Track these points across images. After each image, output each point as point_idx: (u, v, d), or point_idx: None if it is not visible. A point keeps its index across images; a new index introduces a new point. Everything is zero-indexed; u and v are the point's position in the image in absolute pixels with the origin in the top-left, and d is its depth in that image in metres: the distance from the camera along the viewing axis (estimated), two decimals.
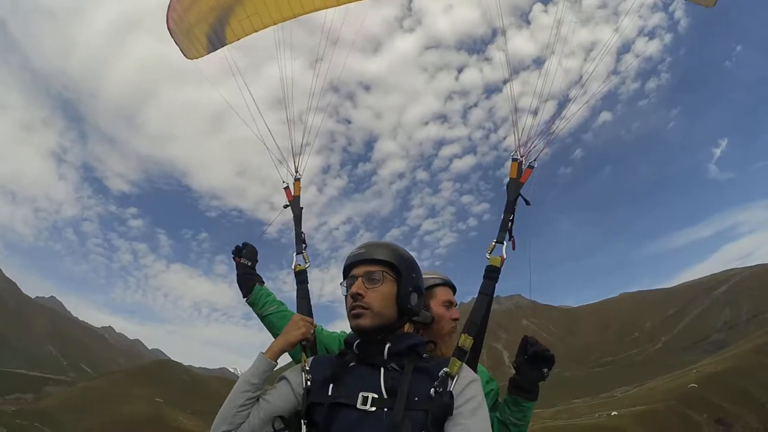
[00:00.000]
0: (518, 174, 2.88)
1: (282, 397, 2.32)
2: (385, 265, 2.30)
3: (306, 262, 3.10)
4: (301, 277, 3.04)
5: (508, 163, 2.94)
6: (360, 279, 2.27)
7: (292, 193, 3.44)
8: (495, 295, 2.56)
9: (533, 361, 2.75)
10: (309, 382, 2.28)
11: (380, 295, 2.24)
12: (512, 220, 2.76)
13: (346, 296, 2.32)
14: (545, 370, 2.76)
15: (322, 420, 2.13)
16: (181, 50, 4.41)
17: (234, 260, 3.25)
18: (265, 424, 2.24)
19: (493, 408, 2.88)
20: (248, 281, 3.16)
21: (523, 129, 3.01)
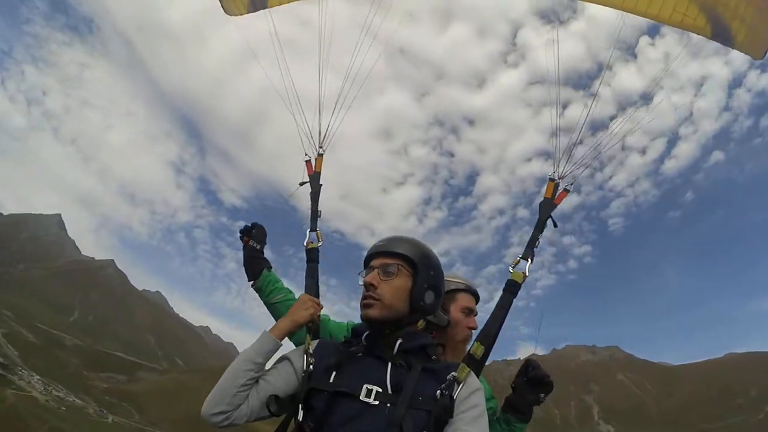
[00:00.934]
0: (553, 195, 2.88)
1: (283, 379, 2.25)
2: (402, 258, 2.27)
3: (319, 241, 3.00)
4: (312, 255, 2.94)
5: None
6: (376, 270, 2.27)
7: (314, 168, 3.28)
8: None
9: (532, 384, 2.75)
10: (311, 366, 2.22)
11: (393, 288, 2.22)
12: (539, 239, 2.74)
13: (361, 286, 2.31)
14: (542, 395, 2.75)
15: (321, 407, 2.08)
16: (221, 5, 4.35)
17: (242, 240, 3.10)
18: (264, 406, 2.17)
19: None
20: (256, 265, 3.02)
21: (564, 152, 3.05)
